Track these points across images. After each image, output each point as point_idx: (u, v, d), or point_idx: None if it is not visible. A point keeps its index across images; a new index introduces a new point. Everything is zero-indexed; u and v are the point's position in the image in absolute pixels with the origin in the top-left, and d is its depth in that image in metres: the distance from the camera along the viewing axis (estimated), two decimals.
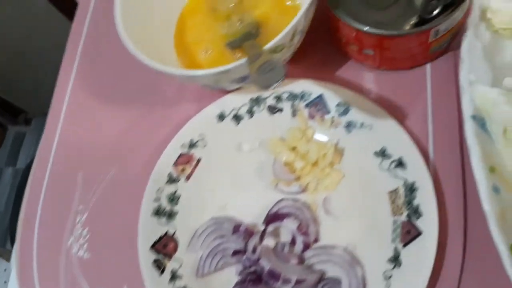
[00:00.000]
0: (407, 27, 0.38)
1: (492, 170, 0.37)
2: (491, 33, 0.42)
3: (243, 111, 0.45)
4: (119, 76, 0.53)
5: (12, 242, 0.50)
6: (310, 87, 0.43)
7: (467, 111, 0.38)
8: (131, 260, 0.43)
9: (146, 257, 0.41)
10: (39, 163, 0.51)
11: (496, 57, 0.42)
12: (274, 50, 0.38)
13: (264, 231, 0.40)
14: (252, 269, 0.39)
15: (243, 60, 0.36)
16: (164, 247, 0.42)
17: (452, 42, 0.43)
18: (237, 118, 0.45)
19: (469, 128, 0.38)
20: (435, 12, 0.37)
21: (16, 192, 1.59)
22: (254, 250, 0.40)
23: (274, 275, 0.37)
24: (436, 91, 0.42)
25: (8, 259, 1.23)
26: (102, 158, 0.49)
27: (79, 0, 0.59)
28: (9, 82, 1.45)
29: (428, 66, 0.44)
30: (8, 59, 1.37)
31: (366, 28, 0.38)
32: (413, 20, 0.38)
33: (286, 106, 0.44)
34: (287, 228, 0.40)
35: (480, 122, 0.39)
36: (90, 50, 0.56)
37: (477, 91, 0.39)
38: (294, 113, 0.44)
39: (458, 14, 0.38)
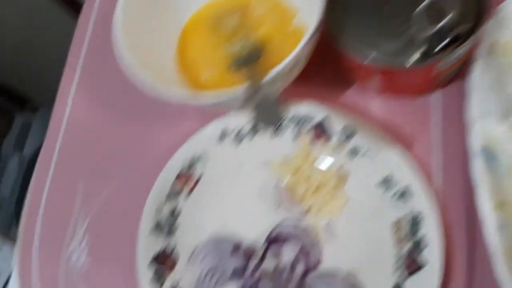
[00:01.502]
0: (412, 59, 0.37)
1: (499, 206, 0.36)
2: (500, 66, 0.41)
3: (245, 130, 0.44)
4: (123, 86, 0.52)
5: (17, 227, 0.50)
6: (315, 110, 0.42)
7: (474, 146, 0.38)
8: (129, 273, 0.43)
9: (144, 271, 0.41)
10: (40, 170, 0.51)
11: (506, 89, 0.41)
12: (275, 79, 0.37)
13: (264, 253, 0.40)
14: None
15: (240, 91, 0.36)
16: (163, 262, 0.42)
17: (461, 70, 0.42)
18: (238, 138, 0.44)
19: (476, 164, 0.37)
20: (441, 45, 0.36)
21: (22, 179, 1.60)
22: (252, 273, 0.39)
23: None
24: (445, 120, 0.41)
25: (12, 244, 1.24)
26: (103, 168, 0.49)
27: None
28: (17, 70, 1.45)
29: (436, 94, 0.43)
30: (17, 48, 1.37)
31: (368, 61, 0.37)
32: (418, 53, 0.37)
33: (289, 127, 0.43)
34: (288, 251, 0.40)
35: (489, 156, 0.38)
36: (93, 59, 0.55)
37: (484, 126, 0.38)
38: (297, 136, 0.43)
39: (464, 49, 0.37)
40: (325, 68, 0.46)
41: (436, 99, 0.43)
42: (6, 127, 1.73)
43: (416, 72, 0.38)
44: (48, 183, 0.50)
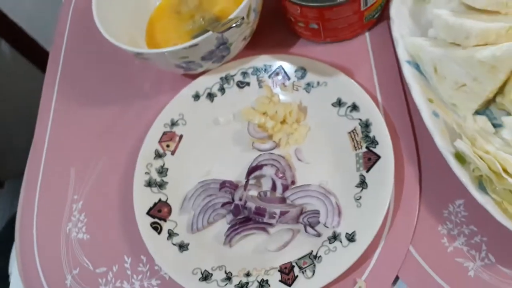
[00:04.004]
0: None
1: (430, 101, 0.44)
2: (413, 0, 0.51)
3: (215, 89, 0.51)
4: (103, 73, 0.58)
5: None
6: (270, 61, 0.50)
7: (402, 57, 0.46)
8: (126, 233, 0.47)
9: (143, 221, 0.45)
10: (32, 162, 0.55)
11: (420, 18, 0.50)
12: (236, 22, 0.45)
13: (247, 181, 0.45)
14: (241, 215, 0.44)
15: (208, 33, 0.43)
16: (158, 211, 0.46)
17: (383, 12, 0.51)
18: (210, 96, 0.51)
19: (406, 70, 0.46)
20: None
21: None
22: (240, 199, 0.44)
23: (260, 211, 0.42)
24: (376, 51, 0.50)
25: None
26: (91, 152, 0.54)
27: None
28: None
29: (366, 34, 0.52)
30: None
31: (307, 3, 0.46)
32: None
33: (252, 79, 0.51)
34: (267, 175, 0.45)
35: (415, 65, 0.47)
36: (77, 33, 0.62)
37: (407, 41, 0.47)
38: (260, 84, 0.50)
39: None
40: (276, 30, 0.54)
41: (367, 37, 0.51)
42: None
43: (346, 7, 0.46)
44: (40, 172, 0.54)
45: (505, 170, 0.37)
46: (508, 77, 0.42)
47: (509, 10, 0.44)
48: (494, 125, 0.43)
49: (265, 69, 0.50)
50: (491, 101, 0.44)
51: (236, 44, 0.48)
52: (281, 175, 0.45)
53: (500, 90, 0.43)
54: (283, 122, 0.48)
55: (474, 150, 0.39)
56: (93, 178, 0.52)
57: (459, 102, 0.44)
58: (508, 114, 0.43)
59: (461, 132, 0.41)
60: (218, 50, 0.47)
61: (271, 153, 0.47)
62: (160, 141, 0.49)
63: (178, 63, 0.47)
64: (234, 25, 0.41)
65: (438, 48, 0.45)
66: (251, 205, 0.43)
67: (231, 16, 0.44)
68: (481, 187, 0.39)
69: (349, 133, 0.45)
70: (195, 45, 0.44)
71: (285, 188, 0.45)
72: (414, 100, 0.43)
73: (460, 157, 0.41)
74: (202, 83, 0.51)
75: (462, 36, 0.43)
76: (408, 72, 0.45)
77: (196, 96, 0.51)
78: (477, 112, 0.44)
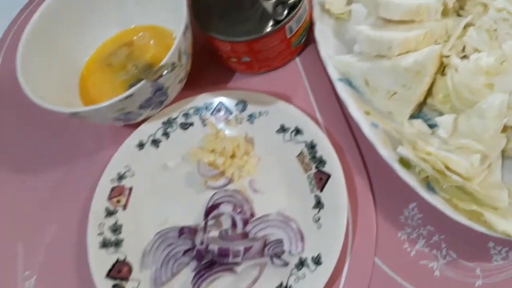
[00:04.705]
0: (266, 29, 0.47)
1: (367, 113, 0.46)
2: (334, 20, 0.53)
3: (159, 135, 0.50)
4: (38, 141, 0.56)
5: None
6: (210, 98, 0.50)
7: (333, 76, 0.48)
8: None
9: (104, 285, 0.42)
10: None
11: (344, 36, 0.53)
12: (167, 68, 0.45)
13: (206, 223, 0.44)
14: (205, 260, 0.43)
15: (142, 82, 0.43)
16: (118, 272, 0.44)
17: (309, 36, 0.53)
18: (155, 142, 0.50)
19: (340, 88, 0.47)
20: (284, 14, 0.47)
21: None
22: (202, 243, 0.43)
23: (223, 252, 0.41)
24: (309, 74, 0.52)
25: None
26: (39, 222, 0.51)
27: None
28: None
29: (297, 59, 0.54)
30: None
31: (235, 39, 0.47)
32: (271, 24, 0.47)
33: (195, 119, 0.50)
34: (225, 212, 0.45)
35: (347, 82, 0.48)
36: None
37: (336, 60, 0.49)
38: (203, 123, 0.50)
39: (302, 12, 0.48)
40: (210, 69, 0.55)
41: (298, 62, 0.53)
42: None
43: (273, 37, 0.48)
44: None
45: (447, 168, 0.39)
46: (433, 79, 0.45)
47: (422, 17, 0.47)
48: (430, 126, 0.46)
49: (206, 107, 0.50)
50: (422, 104, 0.47)
51: (172, 88, 0.48)
52: (239, 210, 0.44)
53: (429, 92, 0.46)
54: (233, 156, 0.48)
55: (416, 153, 0.41)
56: (44, 249, 0.49)
57: (394, 109, 0.46)
58: (440, 114, 0.45)
59: (401, 138, 0.43)
60: (155, 97, 0.47)
61: (226, 190, 0.47)
62: (109, 198, 0.48)
63: (116, 116, 0.46)
64: (165, 72, 0.41)
65: (365, 62, 0.47)
66: (214, 247, 0.42)
67: (162, 63, 0.44)
68: (430, 187, 0.40)
69: (297, 156, 0.46)
70: (131, 95, 0.43)
71: (245, 222, 0.44)
72: (352, 115, 0.45)
73: (405, 162, 0.42)
74: (145, 131, 0.50)
75: (385, 48, 0.45)
76: (342, 89, 0.47)
77: (140, 145, 0.50)
78: (412, 116, 0.46)
